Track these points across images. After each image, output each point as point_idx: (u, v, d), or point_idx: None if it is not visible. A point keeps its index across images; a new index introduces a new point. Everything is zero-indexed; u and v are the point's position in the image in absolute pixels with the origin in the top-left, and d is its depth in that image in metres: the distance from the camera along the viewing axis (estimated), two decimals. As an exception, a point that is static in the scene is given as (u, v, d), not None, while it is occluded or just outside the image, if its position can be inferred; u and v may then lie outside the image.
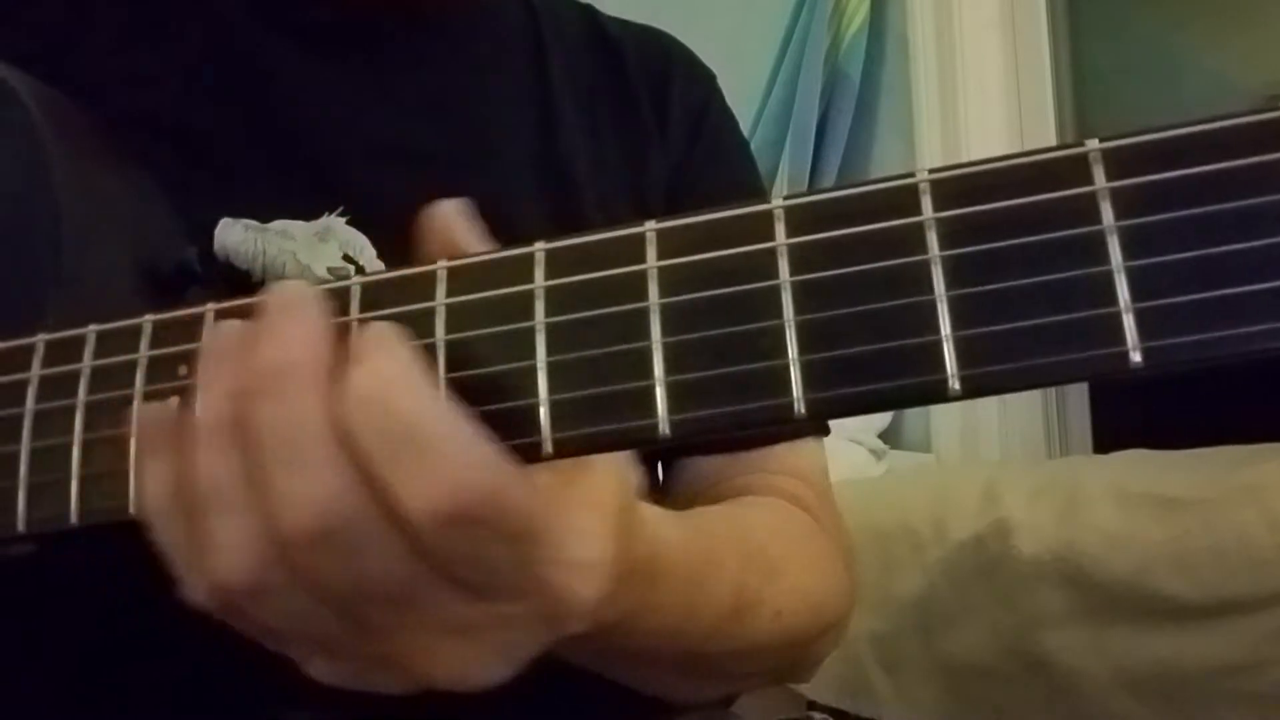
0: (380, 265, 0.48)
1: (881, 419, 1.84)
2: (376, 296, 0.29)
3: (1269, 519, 1.03)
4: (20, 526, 0.32)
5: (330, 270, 0.47)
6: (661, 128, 0.61)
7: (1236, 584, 1.03)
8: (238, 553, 0.28)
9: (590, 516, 0.31)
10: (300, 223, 0.48)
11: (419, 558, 0.28)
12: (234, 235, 0.47)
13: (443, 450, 0.27)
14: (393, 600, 0.29)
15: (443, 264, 0.28)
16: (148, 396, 0.31)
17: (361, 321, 0.29)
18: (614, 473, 0.32)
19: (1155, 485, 1.13)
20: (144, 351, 0.31)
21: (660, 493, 0.56)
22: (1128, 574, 1.09)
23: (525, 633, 0.31)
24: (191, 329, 0.31)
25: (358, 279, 0.30)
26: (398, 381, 0.27)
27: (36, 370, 0.32)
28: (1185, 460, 1.28)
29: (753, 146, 1.81)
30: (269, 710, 0.44)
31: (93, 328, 0.32)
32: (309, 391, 0.28)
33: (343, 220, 0.48)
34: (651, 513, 0.37)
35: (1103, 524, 1.13)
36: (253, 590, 0.29)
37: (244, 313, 0.31)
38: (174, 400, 0.30)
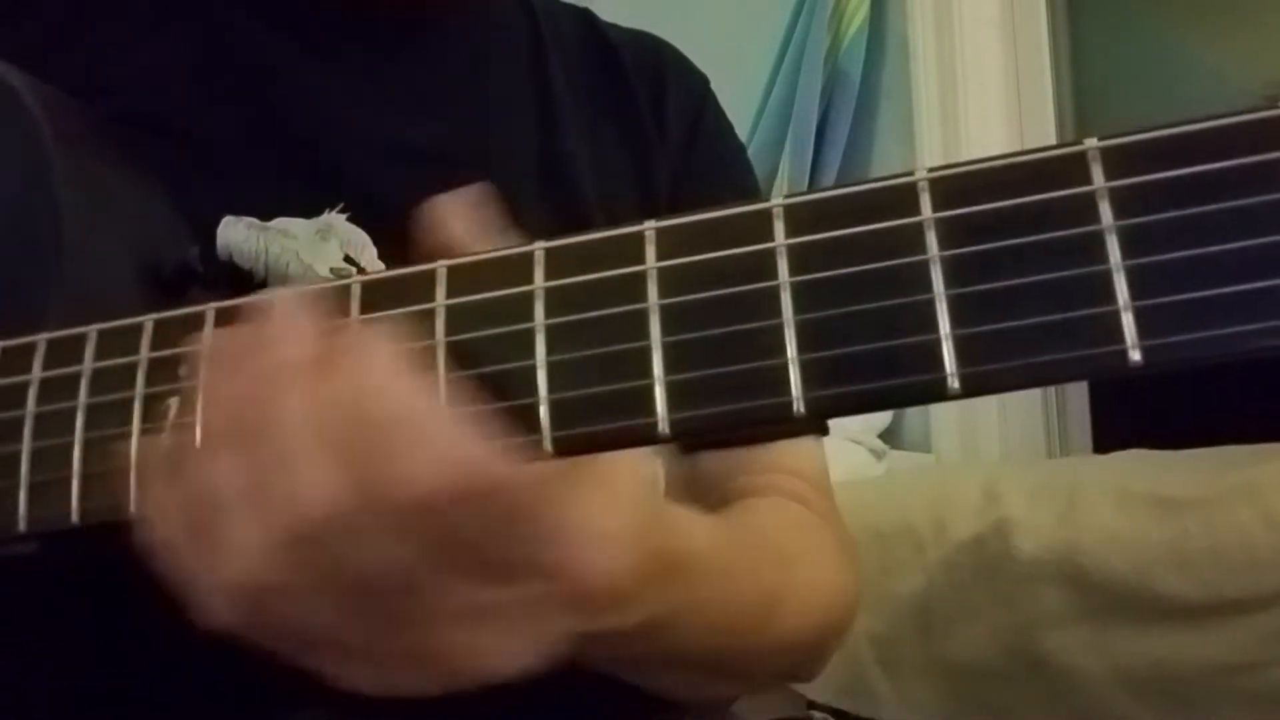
0: (381, 265, 0.48)
1: (881, 419, 1.83)
2: (376, 297, 0.29)
3: (1268, 519, 1.03)
4: (21, 526, 0.32)
5: (333, 271, 0.47)
6: (660, 130, 0.61)
7: (1236, 584, 1.03)
8: (245, 554, 0.28)
9: (600, 489, 0.30)
10: (301, 220, 0.48)
11: (418, 545, 0.28)
12: (237, 234, 0.47)
13: (424, 435, 0.27)
14: (401, 590, 0.29)
15: (442, 263, 0.28)
16: (149, 398, 0.31)
17: (362, 321, 0.30)
18: (624, 455, 0.31)
19: (1155, 485, 1.13)
20: (144, 352, 0.31)
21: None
22: (1128, 574, 1.09)
23: (550, 617, 0.31)
24: (192, 328, 0.31)
25: (357, 279, 0.30)
26: (377, 374, 0.28)
27: (38, 371, 0.32)
28: (1185, 460, 1.28)
29: (752, 147, 1.81)
30: (275, 712, 0.44)
31: (94, 327, 0.32)
32: (297, 390, 0.28)
33: (343, 217, 0.48)
34: (681, 511, 0.37)
35: (1103, 524, 1.13)
36: (264, 591, 0.29)
37: (244, 312, 0.31)
38: (167, 431, 0.31)
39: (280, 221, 0.48)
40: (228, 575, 0.29)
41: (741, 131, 0.71)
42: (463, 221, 0.32)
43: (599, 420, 0.27)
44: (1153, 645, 1.07)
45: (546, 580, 0.30)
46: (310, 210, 0.48)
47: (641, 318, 0.27)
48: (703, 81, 0.66)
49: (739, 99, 0.67)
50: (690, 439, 0.27)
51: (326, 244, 0.48)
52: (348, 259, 0.48)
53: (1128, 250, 0.24)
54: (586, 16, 0.65)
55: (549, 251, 0.28)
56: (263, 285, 0.47)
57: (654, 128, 0.61)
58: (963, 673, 1.21)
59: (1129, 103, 1.81)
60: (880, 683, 1.29)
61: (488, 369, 0.28)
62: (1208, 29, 1.74)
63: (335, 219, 0.48)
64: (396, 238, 0.48)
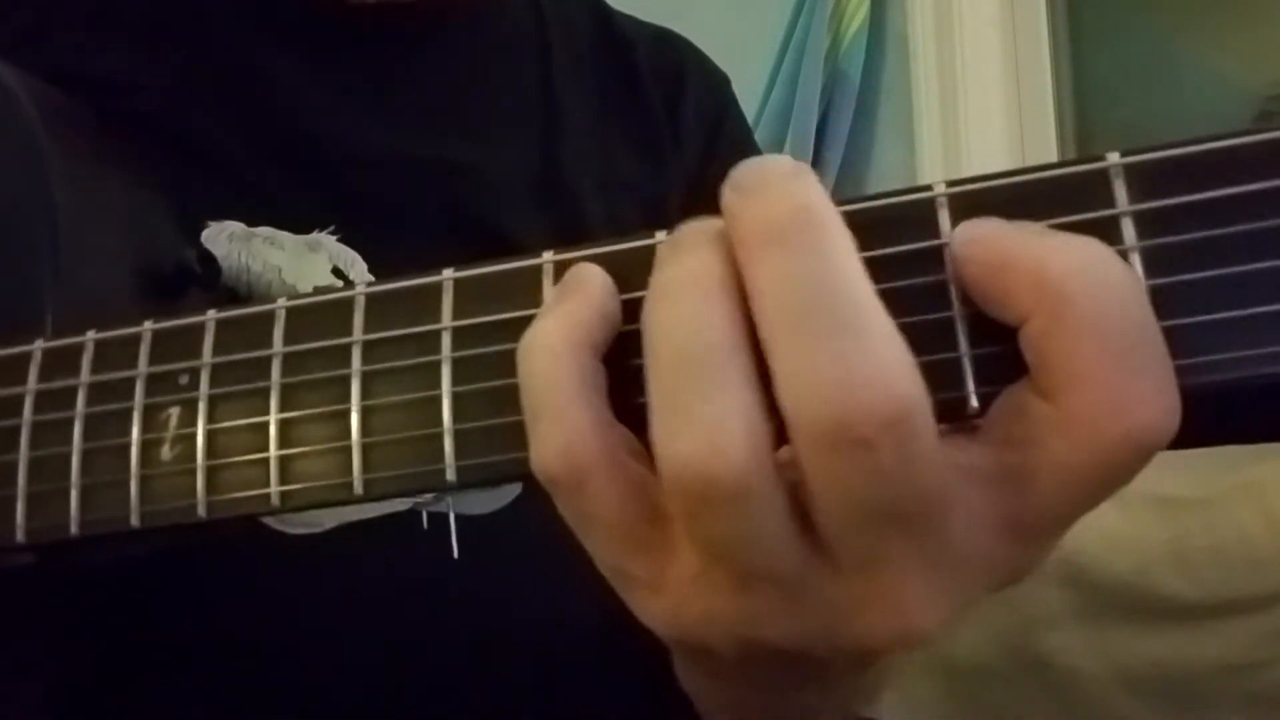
0: (370, 278, 0.48)
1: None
2: (382, 308, 0.29)
3: (1268, 518, 1.04)
4: (19, 536, 0.32)
5: (316, 289, 0.46)
6: (675, 135, 0.59)
7: (1236, 584, 1.04)
8: (723, 435, 0.22)
9: None
10: (289, 233, 0.47)
11: (969, 465, 0.24)
12: (217, 250, 0.46)
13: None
14: (915, 522, 0.23)
15: (449, 274, 0.28)
16: (148, 409, 0.30)
17: None
18: None
19: (1155, 485, 1.13)
20: (143, 364, 0.31)
21: None
22: (1128, 574, 1.09)
23: (992, 581, 0.26)
24: (192, 337, 0.31)
25: (362, 288, 0.29)
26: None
27: (34, 380, 0.32)
28: (1185, 460, 1.28)
29: (753, 146, 1.81)
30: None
31: (91, 335, 0.32)
32: (845, 243, 0.23)
33: (334, 239, 0.48)
34: None
35: (1103, 524, 1.13)
36: (733, 493, 0.22)
37: (246, 320, 0.30)
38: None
39: (266, 229, 0.47)
40: (678, 452, 0.22)
41: (742, 132, 0.70)
42: None
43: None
44: (1153, 645, 1.08)
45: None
46: (304, 217, 0.48)
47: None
48: (724, 83, 0.64)
49: (739, 99, 0.66)
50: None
51: (315, 254, 0.47)
52: (336, 271, 0.47)
53: (1151, 270, 0.23)
54: (601, 11, 0.63)
55: (559, 263, 0.27)
56: (248, 299, 0.46)
57: (668, 134, 0.59)
58: (962, 672, 1.21)
59: (1129, 103, 1.80)
60: (880, 683, 1.29)
61: (492, 384, 0.27)
62: (1208, 30, 1.74)
63: (325, 238, 0.47)
64: (388, 247, 0.48)
